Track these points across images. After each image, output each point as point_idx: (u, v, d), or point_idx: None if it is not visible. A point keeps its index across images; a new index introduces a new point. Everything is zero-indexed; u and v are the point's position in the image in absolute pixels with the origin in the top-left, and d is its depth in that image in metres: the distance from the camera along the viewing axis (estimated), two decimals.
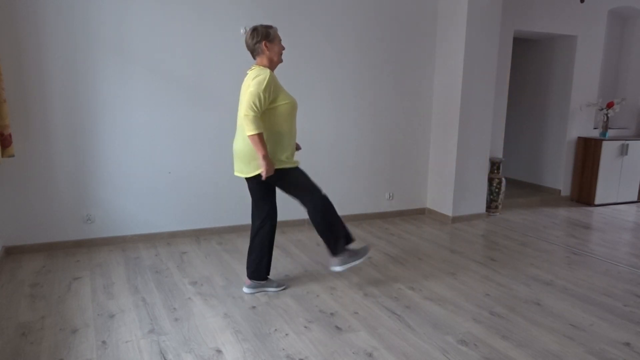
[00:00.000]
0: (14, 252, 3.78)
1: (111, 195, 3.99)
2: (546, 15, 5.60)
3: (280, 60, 2.94)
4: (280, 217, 4.61)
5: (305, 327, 2.69)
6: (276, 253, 3.91)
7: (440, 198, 5.10)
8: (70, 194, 3.87)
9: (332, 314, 2.86)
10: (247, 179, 2.99)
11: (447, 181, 4.97)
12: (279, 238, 4.31)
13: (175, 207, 4.22)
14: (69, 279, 3.32)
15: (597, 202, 5.89)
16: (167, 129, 4.08)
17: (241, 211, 4.45)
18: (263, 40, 2.84)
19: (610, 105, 5.89)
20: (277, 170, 2.86)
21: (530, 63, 6.51)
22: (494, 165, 5.34)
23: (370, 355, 2.41)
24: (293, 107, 2.91)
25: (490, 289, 3.29)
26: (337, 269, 3.06)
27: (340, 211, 4.85)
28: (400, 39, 4.84)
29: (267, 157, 2.74)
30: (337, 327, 2.69)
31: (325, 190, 4.73)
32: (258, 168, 2.83)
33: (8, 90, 3.56)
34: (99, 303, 2.94)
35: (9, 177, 3.69)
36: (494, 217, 5.22)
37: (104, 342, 2.49)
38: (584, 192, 6.01)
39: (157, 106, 4.01)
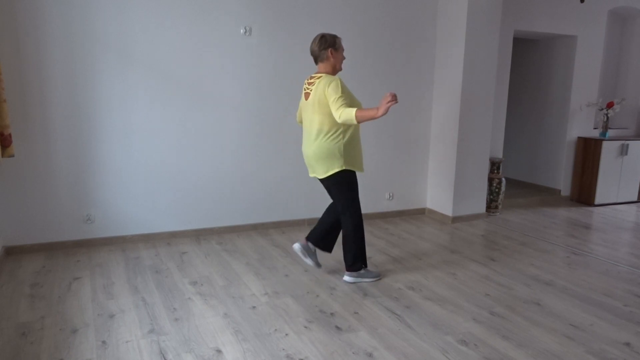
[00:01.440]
0: (14, 252, 3.78)
1: (111, 195, 3.99)
2: (546, 15, 5.60)
3: (341, 68, 3.17)
4: (280, 217, 4.63)
5: (305, 327, 2.69)
6: (276, 253, 3.91)
7: (440, 198, 5.10)
8: (70, 194, 3.87)
9: (332, 314, 2.86)
10: (321, 180, 3.21)
11: (447, 181, 4.97)
12: (279, 238, 4.31)
13: (175, 207, 4.22)
14: (69, 279, 3.32)
15: (597, 202, 5.89)
16: (167, 129, 4.08)
17: (241, 211, 4.46)
18: (329, 48, 3.05)
19: (610, 105, 5.89)
20: (345, 171, 3.12)
21: (530, 63, 6.52)
22: (494, 165, 5.34)
23: (370, 355, 2.41)
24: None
25: (490, 289, 3.29)
26: (348, 279, 3.32)
27: None
28: (400, 39, 4.84)
29: (380, 106, 2.83)
30: (337, 327, 2.69)
31: (326, 190, 4.75)
32: (331, 170, 3.09)
33: (8, 90, 3.56)
34: (99, 303, 2.94)
35: (9, 177, 3.69)
36: (494, 217, 5.22)
37: (104, 342, 2.49)
38: (583, 192, 6.01)
39: (157, 106, 4.01)
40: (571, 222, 5.10)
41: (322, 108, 3.01)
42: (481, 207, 5.15)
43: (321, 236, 3.37)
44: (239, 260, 3.72)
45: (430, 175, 5.24)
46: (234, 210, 4.43)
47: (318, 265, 3.41)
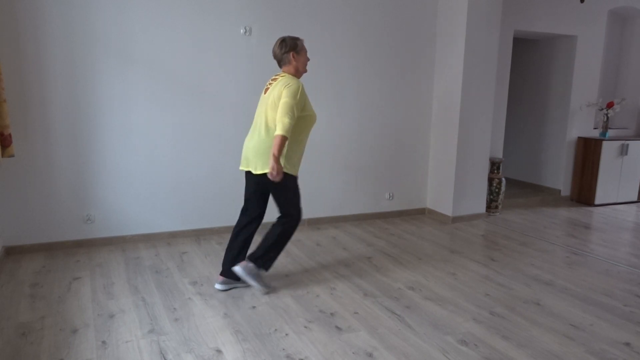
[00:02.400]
0: (14, 252, 3.78)
1: (111, 195, 3.99)
2: (546, 15, 5.60)
3: (305, 70, 3.12)
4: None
5: (305, 327, 2.69)
6: None
7: (440, 198, 5.10)
8: (70, 194, 3.87)
9: (332, 314, 2.86)
10: (252, 174, 3.06)
11: (447, 181, 4.97)
12: None
13: (175, 207, 4.22)
14: (69, 279, 3.32)
15: (597, 202, 5.88)
16: (167, 129, 4.08)
17: None
18: (291, 51, 3.01)
19: (610, 105, 5.89)
20: (288, 174, 3.00)
21: (530, 63, 6.52)
22: (494, 165, 5.34)
23: (370, 355, 2.41)
24: (313, 119, 3.08)
25: (490, 289, 3.29)
26: (238, 269, 3.05)
27: (340, 211, 4.87)
28: (401, 39, 4.84)
29: (278, 161, 2.81)
30: (337, 327, 2.69)
31: (325, 190, 4.76)
32: (267, 168, 2.91)
33: (8, 90, 3.56)
34: (99, 303, 2.94)
35: (9, 177, 3.69)
36: (494, 217, 5.22)
37: (104, 342, 2.49)
38: (584, 192, 6.01)
39: (157, 106, 4.01)
40: (571, 222, 5.10)
41: (274, 104, 2.93)
42: (481, 207, 5.15)
43: (233, 260, 3.16)
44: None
45: (430, 175, 5.24)
46: (234, 210, 4.42)
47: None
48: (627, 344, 2.57)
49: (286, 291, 3.17)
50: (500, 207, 5.39)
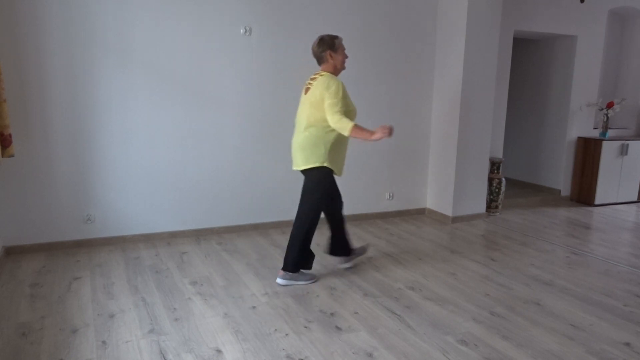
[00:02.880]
0: (14, 252, 3.78)
1: (111, 195, 3.99)
2: (546, 15, 5.60)
3: (343, 68, 3.19)
4: (280, 217, 4.63)
5: (305, 327, 2.69)
6: (276, 253, 3.91)
7: (440, 198, 5.10)
8: (70, 194, 3.87)
9: (332, 314, 2.86)
10: (301, 172, 3.21)
11: (447, 181, 4.97)
12: (278, 237, 4.31)
13: (175, 207, 4.22)
14: (69, 279, 3.32)
15: (597, 202, 5.88)
16: (167, 128, 4.08)
17: (241, 211, 4.45)
18: (328, 50, 3.10)
19: (610, 105, 5.89)
20: (320, 167, 3.11)
21: (530, 63, 6.52)
22: (494, 165, 5.34)
23: (370, 355, 2.41)
24: (354, 115, 3.14)
25: (490, 289, 3.29)
26: (280, 281, 3.26)
27: None
28: (401, 39, 4.84)
29: (376, 132, 2.93)
30: (337, 327, 2.69)
31: None
32: (311, 163, 3.09)
33: (8, 90, 3.56)
34: (99, 303, 2.94)
35: (9, 177, 3.69)
36: (494, 217, 5.22)
37: (104, 342, 2.49)
38: (584, 192, 6.01)
39: (157, 106, 4.01)
40: (571, 222, 5.10)
41: (316, 104, 3.03)
42: (481, 207, 5.15)
43: (331, 245, 3.49)
44: (239, 260, 3.72)
45: (430, 175, 5.24)
46: (234, 210, 4.43)
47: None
48: (627, 344, 2.57)
49: (286, 291, 3.17)
50: (500, 207, 5.39)
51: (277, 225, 4.62)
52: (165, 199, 4.17)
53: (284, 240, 4.26)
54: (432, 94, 5.10)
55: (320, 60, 3.15)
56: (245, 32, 4.19)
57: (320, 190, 3.17)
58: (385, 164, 5.00)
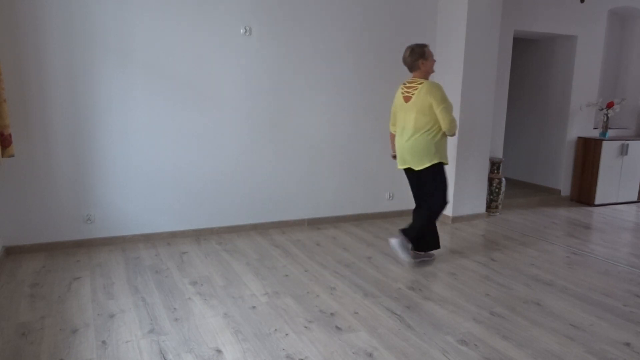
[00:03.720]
0: (14, 252, 3.78)
1: (111, 195, 3.99)
2: (546, 15, 5.60)
3: (433, 71, 3.61)
4: (280, 217, 4.63)
5: (305, 327, 2.69)
6: (276, 253, 3.91)
7: None
8: (70, 194, 3.87)
9: (332, 314, 2.86)
10: (413, 170, 3.62)
11: (447, 181, 4.96)
12: (279, 238, 4.31)
13: (175, 207, 4.22)
14: (69, 279, 3.32)
15: (597, 202, 5.88)
16: (167, 128, 4.08)
17: (241, 211, 4.46)
18: (419, 59, 3.50)
19: (610, 105, 5.89)
20: (439, 163, 3.53)
21: (530, 63, 6.52)
22: (494, 165, 5.34)
23: (370, 355, 2.41)
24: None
25: (490, 289, 3.29)
26: (395, 243, 3.57)
27: (341, 211, 4.87)
28: (400, 39, 4.84)
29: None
30: (337, 327, 2.69)
31: (325, 190, 4.76)
32: (427, 162, 3.48)
33: (8, 90, 3.56)
34: (99, 303, 2.94)
35: (9, 177, 3.69)
36: (494, 217, 5.22)
37: (104, 342, 2.49)
38: (584, 192, 6.01)
39: (157, 106, 4.01)
40: (571, 222, 5.10)
41: (423, 110, 3.43)
42: (481, 207, 5.15)
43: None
44: (239, 260, 3.72)
45: None
46: (234, 210, 4.43)
47: (411, 262, 3.69)
48: (627, 344, 2.57)
49: (286, 291, 3.17)
50: (500, 207, 5.39)
51: (277, 225, 4.62)
52: (165, 199, 4.17)
53: (284, 240, 4.26)
54: None
55: (412, 68, 3.55)
56: (245, 32, 4.19)
57: (440, 182, 3.57)
58: (385, 164, 5.00)
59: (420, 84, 3.48)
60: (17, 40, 3.55)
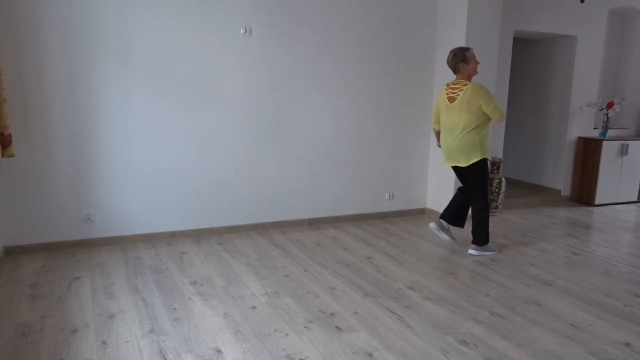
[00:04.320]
0: (14, 252, 3.78)
1: (111, 195, 3.99)
2: (546, 15, 5.60)
3: (476, 73, 3.80)
4: (280, 217, 4.63)
5: (305, 327, 2.69)
6: (276, 253, 3.91)
7: (440, 198, 5.10)
8: (70, 194, 3.87)
9: (332, 314, 2.86)
10: (459, 167, 3.89)
11: (447, 181, 4.97)
12: (279, 238, 4.31)
13: (175, 207, 4.22)
14: (69, 279, 3.32)
15: (597, 202, 5.88)
16: (167, 128, 4.08)
17: (241, 211, 4.46)
18: (461, 62, 3.73)
19: (610, 105, 5.89)
20: (484, 159, 3.79)
21: (530, 63, 6.51)
22: (494, 165, 5.34)
23: (370, 355, 2.41)
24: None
25: (490, 289, 3.29)
26: (473, 252, 3.95)
27: (341, 211, 4.87)
28: (400, 39, 4.84)
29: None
30: (337, 327, 2.69)
31: (326, 190, 4.76)
32: (473, 159, 3.74)
33: (8, 90, 3.56)
34: (99, 303, 2.94)
35: (9, 177, 3.69)
36: (494, 217, 5.22)
37: (104, 342, 2.49)
38: (584, 192, 6.01)
39: (157, 106, 4.01)
40: (571, 222, 5.10)
41: (469, 110, 3.67)
42: None
43: (454, 215, 4.07)
44: (239, 260, 3.72)
45: (430, 175, 5.24)
46: (234, 210, 4.43)
47: (453, 238, 4.16)
48: (627, 344, 2.57)
49: (286, 291, 3.17)
50: (500, 207, 5.39)
51: (277, 225, 4.62)
52: (165, 199, 4.17)
53: (284, 240, 4.26)
54: (432, 94, 5.10)
55: (455, 70, 3.77)
56: (245, 32, 4.19)
57: (484, 176, 3.84)
58: (385, 164, 5.00)
59: (465, 85, 3.72)
60: (17, 40, 3.55)
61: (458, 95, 3.73)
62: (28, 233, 3.81)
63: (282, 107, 4.44)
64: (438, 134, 4.09)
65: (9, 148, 3.42)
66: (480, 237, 3.92)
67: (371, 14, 4.67)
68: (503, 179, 5.33)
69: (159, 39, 3.93)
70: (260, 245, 4.10)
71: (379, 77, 4.81)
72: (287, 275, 3.44)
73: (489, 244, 4.00)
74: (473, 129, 3.71)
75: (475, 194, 3.89)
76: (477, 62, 3.78)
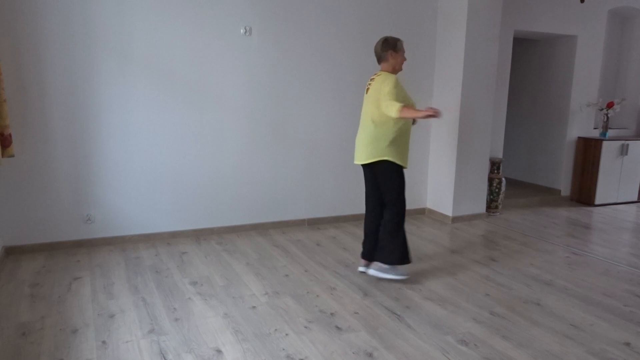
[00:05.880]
0: (14, 252, 3.78)
1: (111, 195, 3.99)
2: (546, 15, 5.60)
3: (401, 69, 3.37)
4: (280, 217, 4.63)
5: (305, 327, 2.69)
6: (276, 253, 3.91)
7: (440, 198, 5.10)
8: (70, 194, 3.87)
9: (332, 314, 2.86)
10: (364, 165, 3.35)
11: (447, 181, 4.97)
12: (279, 238, 4.31)
13: (175, 207, 4.21)
14: (69, 279, 3.32)
15: (597, 202, 5.88)
16: (167, 128, 4.08)
17: (241, 211, 4.45)
18: (389, 50, 3.28)
19: (610, 105, 5.89)
20: (387, 162, 3.22)
21: (530, 63, 6.51)
22: (494, 165, 5.34)
23: (370, 355, 2.41)
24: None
25: (490, 289, 3.29)
26: (373, 272, 3.36)
27: (341, 211, 4.87)
28: (401, 39, 4.83)
29: (425, 111, 3.04)
30: (337, 327, 2.69)
31: (326, 190, 4.76)
32: (374, 157, 3.21)
33: (8, 90, 3.56)
34: (99, 303, 2.94)
35: (9, 177, 3.69)
36: (494, 217, 5.22)
37: (104, 342, 2.49)
38: (584, 192, 6.01)
39: (157, 106, 4.01)
40: (571, 222, 5.10)
41: (377, 102, 3.21)
42: (481, 207, 5.15)
43: (373, 248, 3.45)
44: (239, 260, 3.72)
45: (430, 175, 5.24)
46: (234, 210, 4.43)
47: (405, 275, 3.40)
48: (627, 344, 2.57)
49: (286, 291, 3.17)
50: (500, 207, 5.39)
51: (277, 226, 4.62)
52: (165, 199, 4.17)
53: (284, 240, 4.26)
54: (432, 94, 5.10)
55: (380, 59, 3.32)
56: (246, 32, 4.19)
57: (397, 183, 3.29)
58: None
59: (379, 75, 3.27)
60: (17, 40, 3.55)
61: (372, 85, 3.30)
62: (28, 233, 3.81)
63: (282, 107, 4.44)
64: None
65: (9, 148, 3.42)
66: (393, 255, 3.29)
67: (371, 14, 4.67)
68: (503, 179, 5.34)
69: (159, 39, 3.93)
70: (260, 245, 4.10)
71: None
72: (287, 275, 3.44)
73: (400, 267, 3.35)
74: (382, 124, 3.19)
75: (390, 198, 3.31)
76: (405, 59, 3.36)
